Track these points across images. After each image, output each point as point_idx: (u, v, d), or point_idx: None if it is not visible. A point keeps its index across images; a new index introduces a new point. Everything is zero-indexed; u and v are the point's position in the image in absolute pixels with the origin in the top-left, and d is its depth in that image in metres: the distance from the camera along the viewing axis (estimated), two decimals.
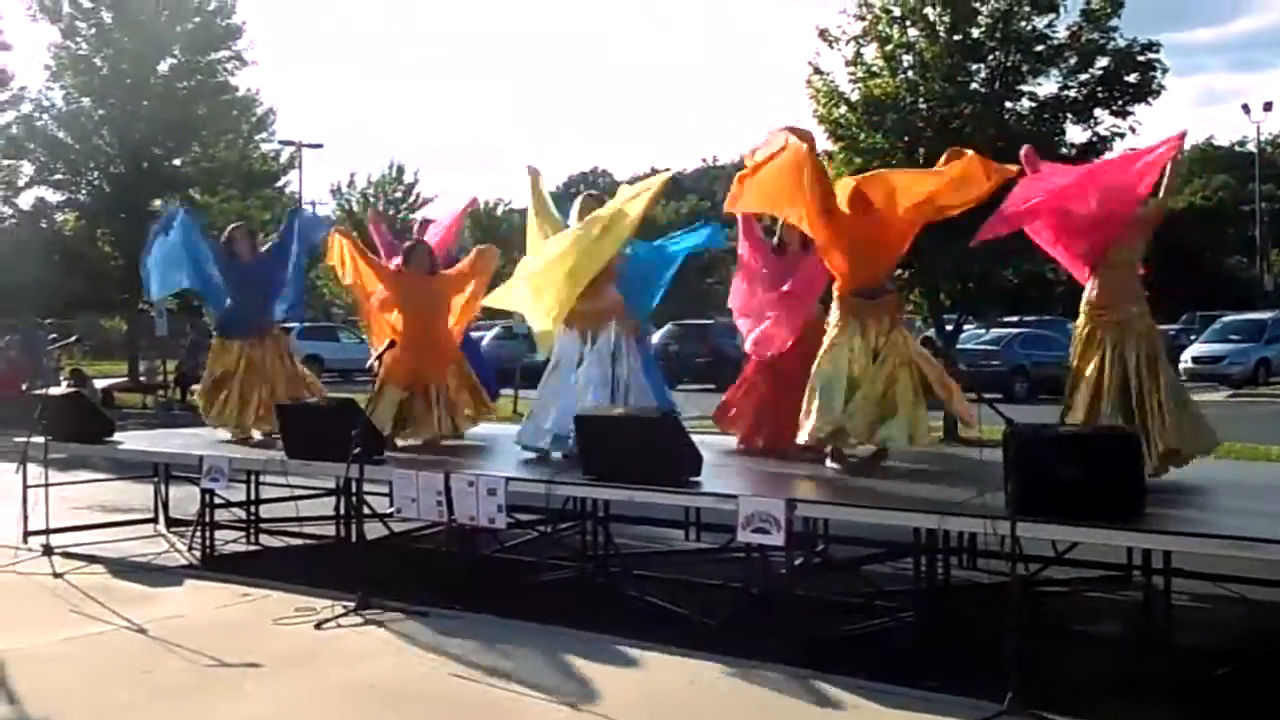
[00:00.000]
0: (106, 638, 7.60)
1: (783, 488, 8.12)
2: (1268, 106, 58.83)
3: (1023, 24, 18.17)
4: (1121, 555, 8.35)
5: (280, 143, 42.77)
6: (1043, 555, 8.46)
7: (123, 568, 9.71)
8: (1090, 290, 8.10)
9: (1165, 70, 18.00)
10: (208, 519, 10.55)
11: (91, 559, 9.96)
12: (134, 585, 9.08)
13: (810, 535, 7.81)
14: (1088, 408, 7.84)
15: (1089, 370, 7.92)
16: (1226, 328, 38.28)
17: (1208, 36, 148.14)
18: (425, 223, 13.14)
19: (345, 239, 10.83)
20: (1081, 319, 8.14)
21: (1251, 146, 69.60)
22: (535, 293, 9.58)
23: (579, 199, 10.03)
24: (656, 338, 26.73)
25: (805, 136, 8.54)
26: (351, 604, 7.88)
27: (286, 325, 13.19)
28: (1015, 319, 34.98)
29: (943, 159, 8.40)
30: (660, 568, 9.52)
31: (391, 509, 8.99)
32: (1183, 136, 8.22)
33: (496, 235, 43.85)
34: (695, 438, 8.34)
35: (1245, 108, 59.37)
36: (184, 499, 11.59)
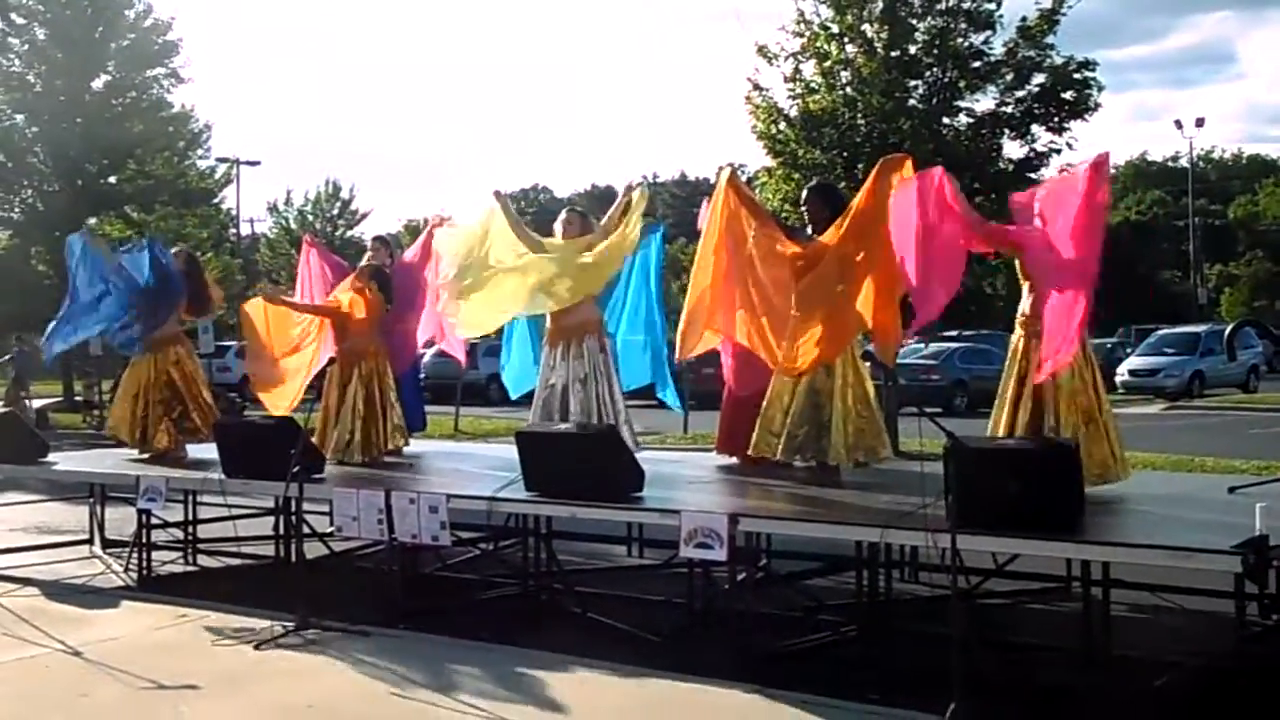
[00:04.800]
0: (41, 661, 7.47)
1: (725, 502, 8.12)
2: (1200, 122, 59.91)
3: (959, 41, 18.36)
4: (1061, 567, 8.41)
5: (217, 159, 42.61)
6: (983, 568, 8.52)
7: (58, 590, 9.57)
8: (1024, 303, 8.12)
9: (1101, 88, 18.24)
10: (144, 540, 10.40)
11: (26, 581, 9.81)
12: (69, 608, 8.94)
13: (753, 550, 7.81)
14: (1008, 422, 7.88)
15: (1011, 383, 7.97)
16: (1161, 341, 38.84)
17: (1140, 53, 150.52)
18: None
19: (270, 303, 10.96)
20: (1016, 332, 8.17)
21: (1184, 162, 70.76)
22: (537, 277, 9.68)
23: (563, 214, 10.09)
24: None
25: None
26: (291, 624, 7.79)
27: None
28: (954, 333, 35.23)
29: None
30: (603, 584, 9.49)
31: (332, 528, 8.91)
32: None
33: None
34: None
35: (1178, 123, 60.28)
36: (120, 520, 11.44)
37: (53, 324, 11.65)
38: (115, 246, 12.37)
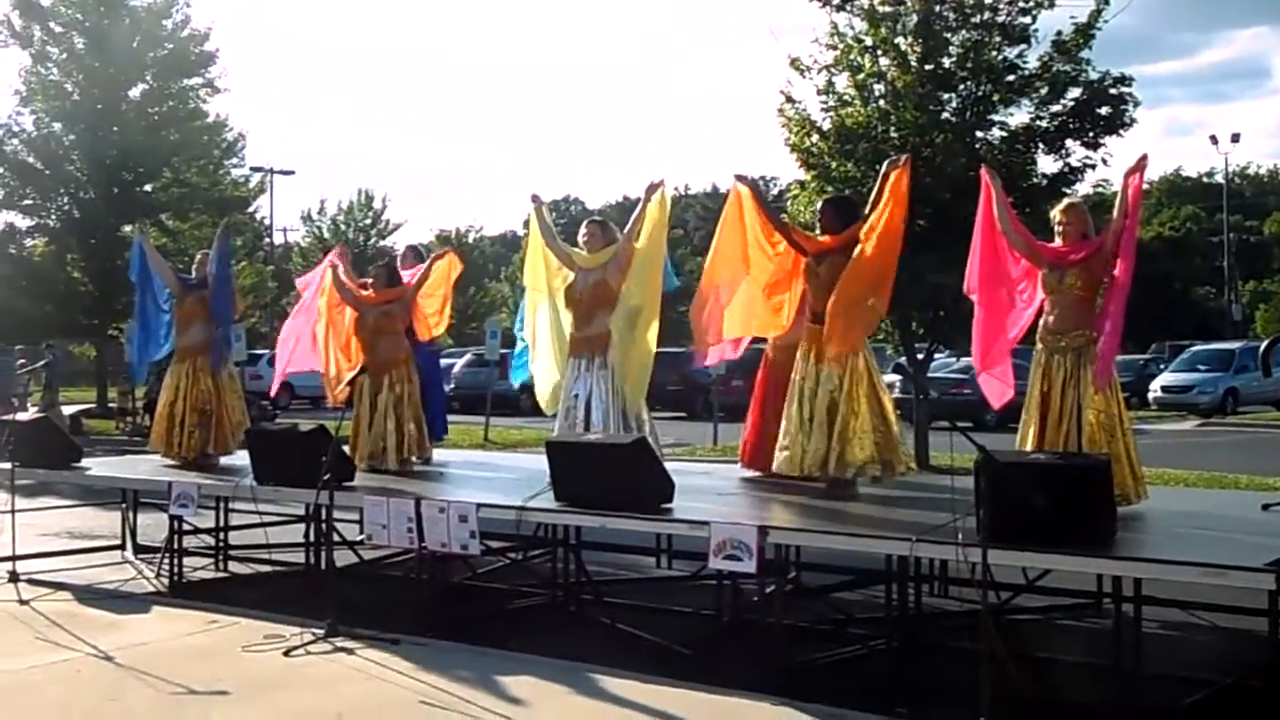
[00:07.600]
0: (73, 665, 7.52)
1: (755, 514, 8.11)
2: (1235, 138, 59.49)
3: (994, 54, 18.23)
4: (1092, 583, 8.36)
5: (251, 169, 42.81)
6: (1014, 583, 8.48)
7: (89, 595, 9.61)
8: (1046, 316, 8.13)
9: (1137, 104, 18.09)
10: (176, 546, 10.46)
11: (58, 586, 9.87)
12: (101, 612, 8.99)
13: (782, 562, 7.79)
14: (1035, 437, 7.86)
15: (1035, 398, 7.96)
16: (1195, 357, 38.62)
17: (1175, 69, 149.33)
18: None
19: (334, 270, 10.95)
20: (1038, 346, 8.18)
21: (1219, 177, 70.32)
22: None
23: (583, 228, 10.08)
24: None
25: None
26: (321, 631, 7.82)
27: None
28: None
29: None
30: (632, 595, 9.48)
31: (362, 536, 8.95)
32: None
33: (466, 262, 43.98)
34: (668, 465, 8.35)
35: (1213, 139, 59.94)
36: (152, 526, 11.50)
37: (135, 337, 12.04)
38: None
